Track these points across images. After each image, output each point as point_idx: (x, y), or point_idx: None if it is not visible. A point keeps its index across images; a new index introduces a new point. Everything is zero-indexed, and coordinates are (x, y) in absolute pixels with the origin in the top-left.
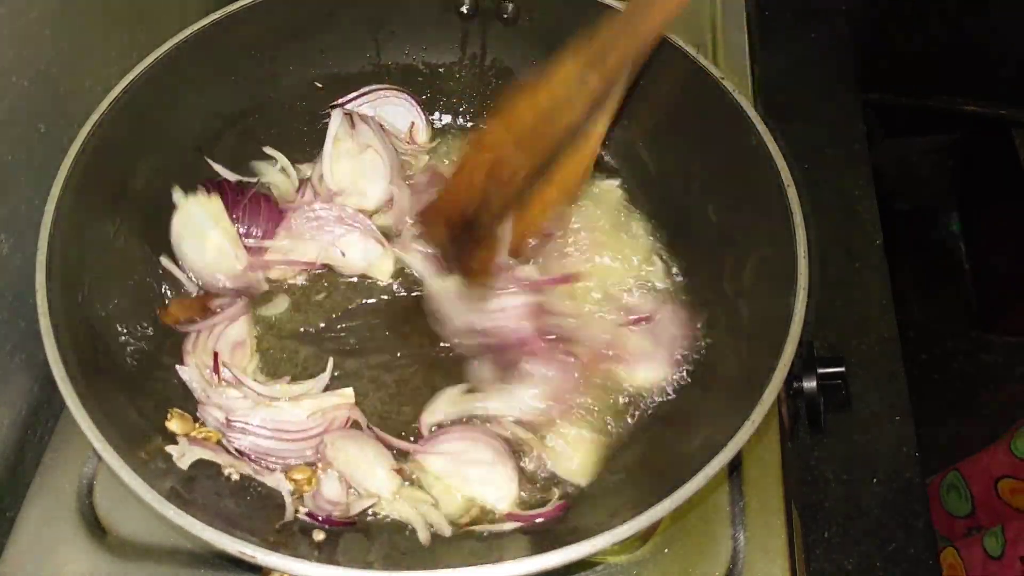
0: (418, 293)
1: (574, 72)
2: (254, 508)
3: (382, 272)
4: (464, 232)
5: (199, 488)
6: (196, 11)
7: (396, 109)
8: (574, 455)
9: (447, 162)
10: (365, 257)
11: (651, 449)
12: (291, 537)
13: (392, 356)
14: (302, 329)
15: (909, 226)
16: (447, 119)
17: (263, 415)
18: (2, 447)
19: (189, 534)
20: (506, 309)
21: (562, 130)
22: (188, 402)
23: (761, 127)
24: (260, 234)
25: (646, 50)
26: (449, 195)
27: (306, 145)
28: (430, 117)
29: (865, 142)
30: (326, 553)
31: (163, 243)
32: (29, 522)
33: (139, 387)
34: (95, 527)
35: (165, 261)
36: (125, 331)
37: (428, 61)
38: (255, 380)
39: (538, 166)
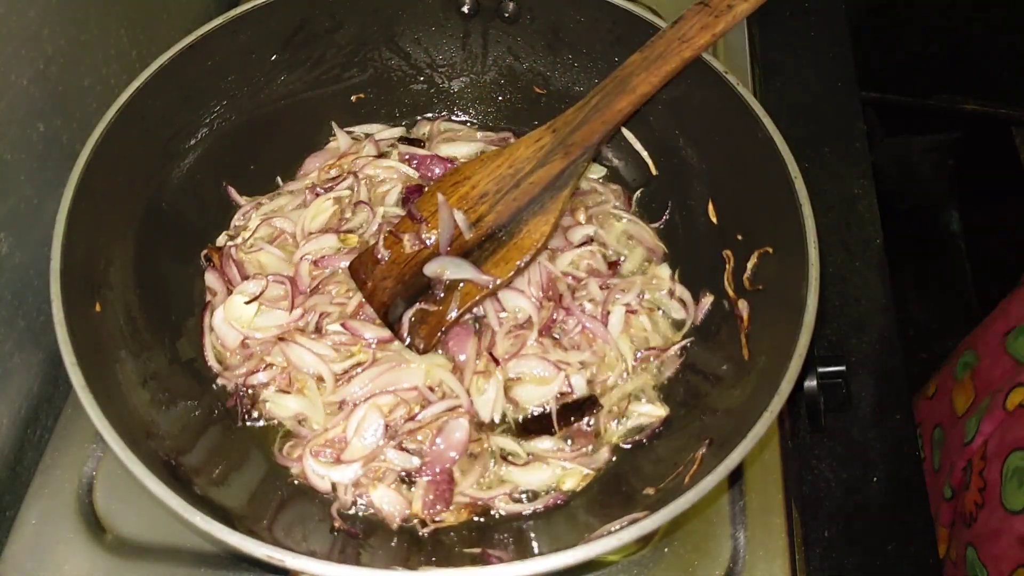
0: None
1: (540, 146)
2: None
3: None
4: (414, 291)
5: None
6: (196, 10)
7: None
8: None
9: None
10: None
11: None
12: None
13: None
14: None
15: (909, 226)
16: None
17: None
18: (2, 447)
19: (214, 538)
20: None
21: (522, 197)
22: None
23: (767, 121)
24: None
25: (609, 133)
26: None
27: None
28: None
29: (865, 142)
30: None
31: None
32: (29, 522)
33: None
34: (95, 526)
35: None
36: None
37: (429, 61)
38: None
39: (496, 229)
